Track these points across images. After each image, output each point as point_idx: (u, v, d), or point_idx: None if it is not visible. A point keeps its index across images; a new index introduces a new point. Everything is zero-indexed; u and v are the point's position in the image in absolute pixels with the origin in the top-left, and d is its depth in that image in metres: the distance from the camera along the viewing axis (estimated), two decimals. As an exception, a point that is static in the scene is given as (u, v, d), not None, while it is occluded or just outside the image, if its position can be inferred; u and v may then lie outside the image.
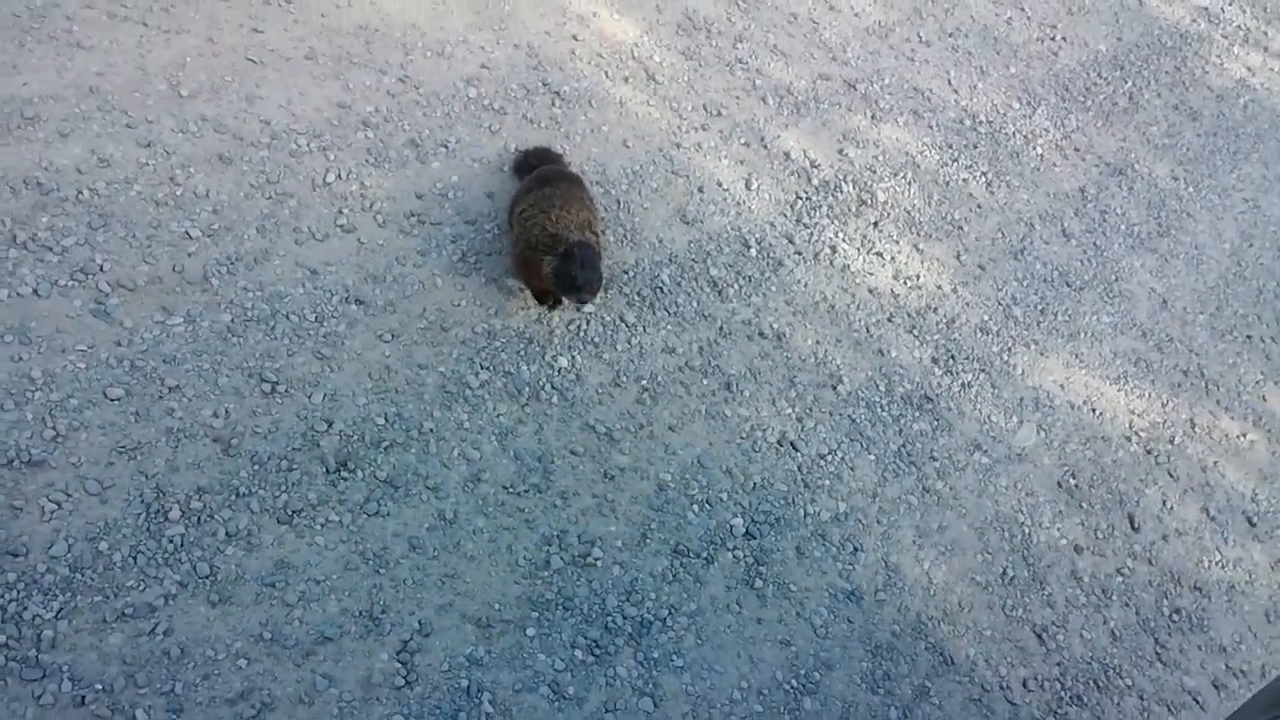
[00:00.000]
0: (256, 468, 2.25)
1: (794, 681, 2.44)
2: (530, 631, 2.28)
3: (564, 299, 2.69)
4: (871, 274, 3.27)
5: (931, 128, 3.79)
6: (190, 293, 2.45)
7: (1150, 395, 3.36)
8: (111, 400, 2.23)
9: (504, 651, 2.23)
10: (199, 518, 2.14)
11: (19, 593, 1.97)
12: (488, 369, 2.62)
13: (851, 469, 2.83)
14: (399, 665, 2.13)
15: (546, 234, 2.53)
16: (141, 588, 2.03)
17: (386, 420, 2.44)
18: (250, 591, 2.10)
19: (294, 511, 2.23)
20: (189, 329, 2.39)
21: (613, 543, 2.48)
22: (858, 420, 2.93)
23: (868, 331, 3.12)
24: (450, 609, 2.24)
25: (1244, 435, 3.40)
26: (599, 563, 2.43)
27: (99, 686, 1.92)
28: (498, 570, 2.33)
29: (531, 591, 2.33)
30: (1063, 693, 2.66)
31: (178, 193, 2.60)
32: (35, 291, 2.32)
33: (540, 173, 2.76)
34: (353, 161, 2.85)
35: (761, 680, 2.41)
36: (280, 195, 2.70)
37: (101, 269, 2.40)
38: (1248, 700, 2.06)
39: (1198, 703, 2.77)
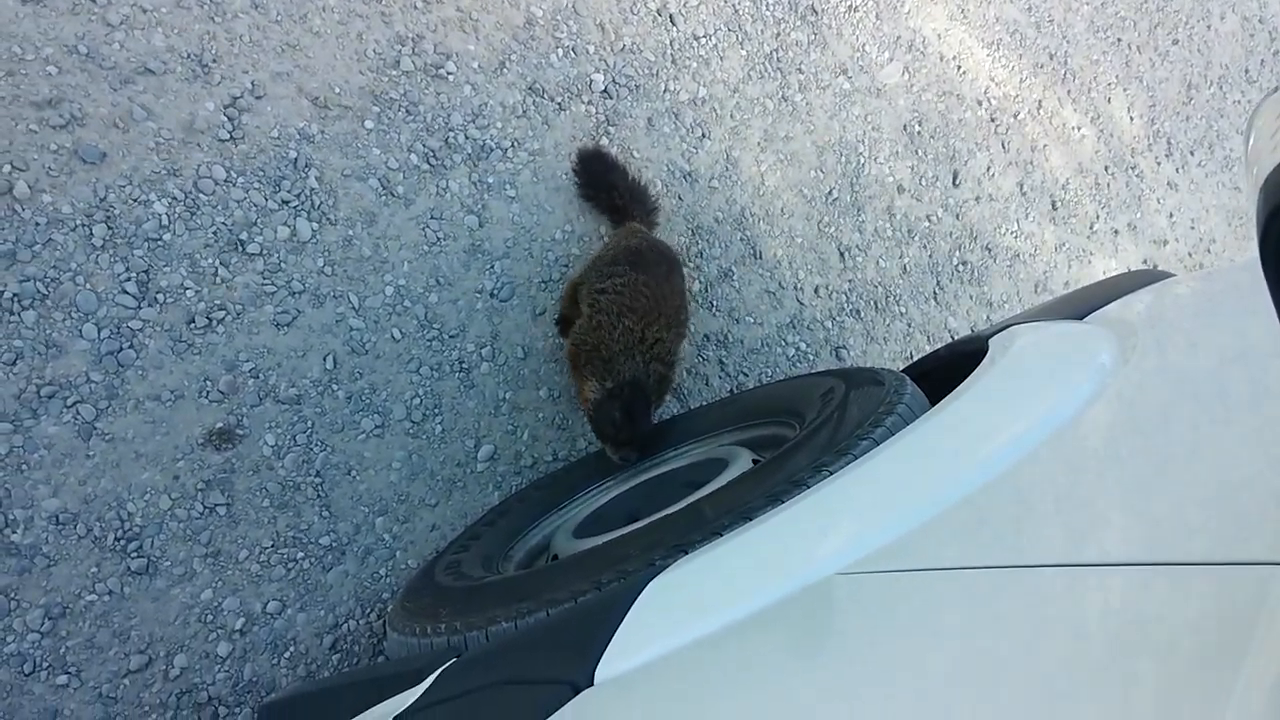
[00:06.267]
0: None
1: (615, 237, 2.55)
2: (369, 124, 2.23)
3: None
4: None
5: None
6: None
7: (1014, 68, 3.45)
8: None
9: (338, 135, 2.18)
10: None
11: None
12: None
13: (721, 58, 2.80)
14: (225, 119, 2.05)
15: (600, 356, 2.05)
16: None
17: None
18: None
19: (122, -76, 1.98)
20: None
21: (469, 62, 2.39)
22: (741, 12, 2.85)
23: (776, -77, 2.96)
24: (287, 79, 2.13)
25: (1079, 129, 3.59)
26: (451, 78, 2.36)
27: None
28: (344, 55, 2.22)
29: (376, 85, 2.25)
30: (846, 305, 2.94)
31: None
32: None
33: (641, 245, 2.21)
34: None
35: (585, 229, 2.51)
36: None
37: None
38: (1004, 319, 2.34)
39: (952, 339, 3.14)
